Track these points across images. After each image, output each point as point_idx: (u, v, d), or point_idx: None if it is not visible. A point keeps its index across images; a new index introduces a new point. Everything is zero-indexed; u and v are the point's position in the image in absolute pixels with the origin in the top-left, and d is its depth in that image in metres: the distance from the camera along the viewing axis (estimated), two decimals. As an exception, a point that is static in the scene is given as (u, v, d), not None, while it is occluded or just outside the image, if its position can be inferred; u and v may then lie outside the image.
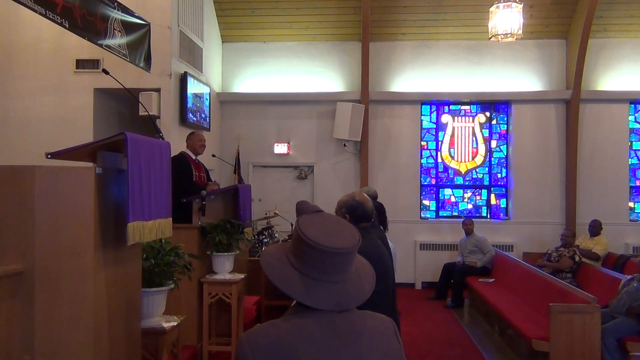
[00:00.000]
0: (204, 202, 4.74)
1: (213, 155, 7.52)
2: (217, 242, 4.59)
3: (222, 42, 9.05)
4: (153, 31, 5.77)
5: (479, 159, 9.17)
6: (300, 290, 1.29)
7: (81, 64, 6.67)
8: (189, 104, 7.20)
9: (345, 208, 2.64)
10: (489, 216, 9.11)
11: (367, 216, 2.68)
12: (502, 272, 7.32)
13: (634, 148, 8.96)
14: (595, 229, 7.68)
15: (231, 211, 5.35)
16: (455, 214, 9.13)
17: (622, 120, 8.85)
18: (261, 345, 1.24)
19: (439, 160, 9.17)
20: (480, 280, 7.35)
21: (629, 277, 5.28)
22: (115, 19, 4.91)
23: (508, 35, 6.45)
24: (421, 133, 9.09)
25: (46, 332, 2.50)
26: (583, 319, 4.43)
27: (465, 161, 9.17)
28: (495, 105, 9.12)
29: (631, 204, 8.92)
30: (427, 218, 9.08)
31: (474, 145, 9.16)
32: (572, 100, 8.61)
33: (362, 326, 1.32)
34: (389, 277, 2.71)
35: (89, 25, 4.46)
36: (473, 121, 9.17)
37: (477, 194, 9.17)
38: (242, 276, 4.82)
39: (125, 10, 5.15)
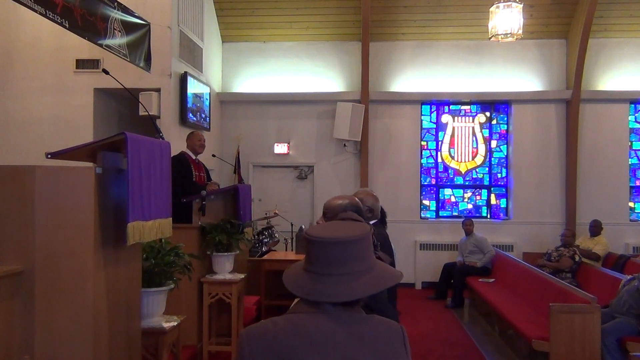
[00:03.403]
0: (204, 202, 4.74)
1: (213, 155, 7.52)
2: (217, 242, 4.59)
3: (222, 42, 9.05)
4: (153, 31, 5.77)
5: (479, 159, 9.17)
6: (292, 278, 1.34)
7: (81, 64, 6.67)
8: (189, 104, 7.20)
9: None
10: (489, 216, 9.11)
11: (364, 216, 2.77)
12: (502, 272, 7.32)
13: (634, 148, 8.96)
14: (595, 229, 7.68)
15: (231, 211, 5.35)
16: (455, 214, 9.13)
17: (622, 120, 8.85)
18: (258, 340, 1.27)
19: (439, 160, 9.17)
20: (480, 280, 7.35)
21: (629, 277, 5.29)
22: (115, 19, 4.91)
23: (508, 35, 6.45)
24: (421, 133, 9.09)
25: (46, 332, 2.50)
26: (583, 319, 4.43)
27: (465, 161, 9.17)
28: (495, 105, 9.12)
29: (631, 204, 8.92)
30: (427, 218, 9.07)
31: (474, 145, 9.16)
32: (572, 100, 8.61)
33: (361, 329, 1.30)
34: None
35: (89, 25, 4.46)
36: (473, 121, 9.17)
37: (477, 194, 9.17)
38: (242, 276, 4.82)
39: (125, 10, 5.15)
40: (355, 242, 1.31)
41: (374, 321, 1.34)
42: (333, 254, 1.30)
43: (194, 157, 5.55)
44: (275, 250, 7.30)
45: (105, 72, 3.88)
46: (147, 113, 5.73)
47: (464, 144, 9.17)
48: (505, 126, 9.14)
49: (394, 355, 1.32)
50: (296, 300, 1.35)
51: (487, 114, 9.15)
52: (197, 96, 7.58)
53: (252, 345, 1.26)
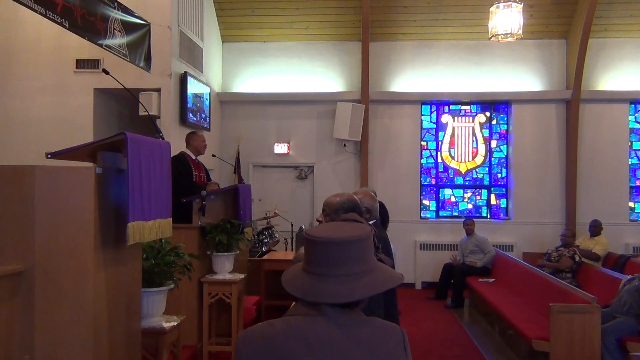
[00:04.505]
0: (204, 202, 4.74)
1: (213, 155, 7.52)
2: (217, 242, 4.59)
3: (222, 42, 9.05)
4: (153, 31, 5.77)
5: (479, 159, 9.16)
6: (290, 279, 1.32)
7: (81, 64, 6.67)
8: (189, 104, 7.20)
9: (343, 210, 2.54)
10: (489, 216, 9.11)
11: (361, 215, 2.68)
12: (502, 272, 7.32)
13: (634, 148, 8.96)
14: (595, 229, 7.68)
15: (231, 211, 5.35)
16: (456, 214, 9.12)
17: (622, 120, 8.85)
18: (254, 343, 1.26)
19: (439, 160, 9.17)
20: (480, 280, 7.35)
21: (629, 277, 5.29)
22: (115, 19, 4.91)
23: (508, 35, 6.45)
24: (421, 133, 9.09)
25: (46, 332, 2.50)
26: (583, 319, 4.43)
27: (465, 161, 9.17)
28: (495, 105, 9.12)
29: (631, 204, 8.91)
30: (427, 218, 9.07)
31: (474, 145, 9.16)
32: (572, 100, 8.61)
33: (360, 332, 1.28)
34: None
35: (89, 25, 4.46)
36: (473, 121, 9.17)
37: (477, 194, 9.17)
38: (242, 276, 4.82)
39: (125, 10, 5.15)
40: (355, 243, 1.30)
41: (374, 324, 1.32)
42: (333, 254, 1.28)
43: (194, 158, 5.55)
44: (275, 250, 7.31)
45: (105, 72, 3.88)
46: (147, 113, 5.73)
47: (464, 144, 9.17)
48: (505, 126, 9.14)
49: (393, 358, 1.30)
50: (293, 303, 1.35)
51: (487, 114, 9.15)
52: (197, 96, 7.58)
53: (248, 348, 1.26)
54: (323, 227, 1.37)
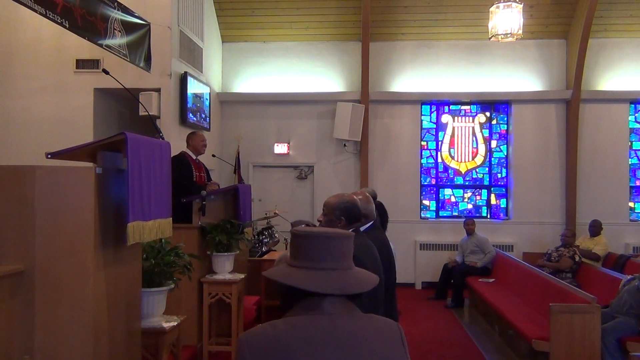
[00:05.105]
0: (204, 202, 4.74)
1: (213, 155, 7.52)
2: (217, 242, 4.59)
3: (222, 42, 9.05)
4: (153, 31, 5.77)
5: (479, 159, 9.16)
6: (299, 278, 1.32)
7: (81, 64, 6.67)
8: (189, 104, 7.20)
9: (340, 210, 2.53)
10: (489, 216, 9.11)
11: (360, 216, 2.64)
12: (502, 272, 7.32)
13: (634, 148, 8.95)
14: (595, 229, 7.68)
15: (231, 211, 5.35)
16: (456, 214, 9.13)
17: (622, 120, 8.85)
18: (258, 345, 1.26)
19: (439, 160, 9.17)
20: (480, 280, 7.35)
21: (629, 277, 5.29)
22: (115, 19, 4.91)
23: (508, 35, 6.45)
24: (421, 133, 9.09)
25: (46, 332, 2.50)
26: (583, 319, 4.43)
27: (465, 161, 9.17)
28: (495, 105, 9.12)
29: (631, 204, 8.91)
30: (427, 218, 9.07)
31: (474, 145, 9.16)
32: (572, 100, 8.61)
33: (361, 329, 1.31)
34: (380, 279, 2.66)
35: (89, 25, 4.46)
36: (473, 121, 9.17)
37: (477, 194, 9.17)
38: (242, 276, 4.83)
39: (125, 10, 5.15)
40: (352, 240, 1.39)
41: (371, 320, 1.36)
42: (341, 249, 1.35)
43: (194, 157, 5.55)
44: (275, 250, 7.30)
45: (105, 72, 3.88)
46: (147, 113, 5.72)
47: (464, 144, 9.17)
48: (505, 126, 9.14)
49: (393, 353, 1.33)
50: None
51: (487, 114, 9.15)
52: (197, 96, 7.58)
53: (253, 350, 1.26)
54: (311, 228, 1.43)
